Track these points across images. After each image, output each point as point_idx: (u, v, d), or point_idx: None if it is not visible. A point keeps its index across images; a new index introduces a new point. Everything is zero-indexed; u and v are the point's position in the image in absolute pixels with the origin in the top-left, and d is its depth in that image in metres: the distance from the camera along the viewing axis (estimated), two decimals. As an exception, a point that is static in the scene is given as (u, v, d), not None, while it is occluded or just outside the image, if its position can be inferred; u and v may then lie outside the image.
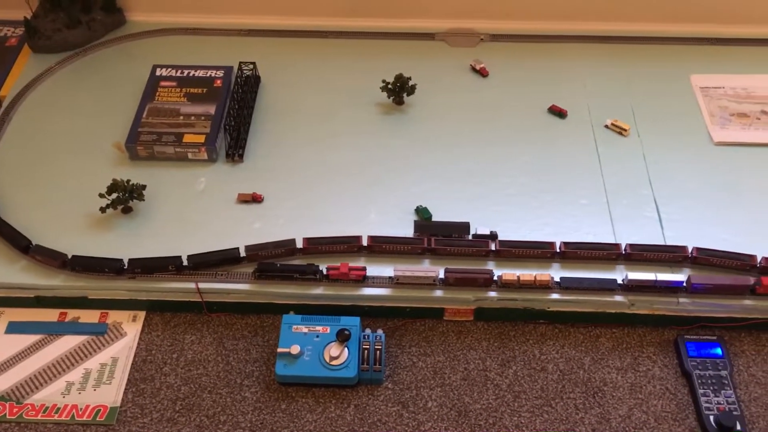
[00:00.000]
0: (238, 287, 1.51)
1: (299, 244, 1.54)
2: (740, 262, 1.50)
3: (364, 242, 1.55)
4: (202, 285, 1.51)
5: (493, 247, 1.54)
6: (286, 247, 1.53)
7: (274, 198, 1.67)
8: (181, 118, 1.78)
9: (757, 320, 1.48)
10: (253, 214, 1.64)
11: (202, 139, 1.73)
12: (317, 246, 1.54)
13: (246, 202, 1.66)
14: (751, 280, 1.46)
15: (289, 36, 2.07)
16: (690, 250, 1.52)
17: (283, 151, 1.77)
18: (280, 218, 1.62)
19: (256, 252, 1.53)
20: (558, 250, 1.53)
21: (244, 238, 1.55)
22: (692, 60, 2.00)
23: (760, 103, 1.86)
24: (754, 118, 1.83)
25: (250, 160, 1.75)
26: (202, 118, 1.78)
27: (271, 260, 1.53)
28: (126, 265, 1.51)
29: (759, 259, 1.50)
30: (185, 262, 1.52)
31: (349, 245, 1.54)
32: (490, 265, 1.53)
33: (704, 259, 1.51)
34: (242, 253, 1.53)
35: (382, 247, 1.54)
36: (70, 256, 1.52)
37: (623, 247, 1.53)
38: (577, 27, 2.08)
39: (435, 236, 1.57)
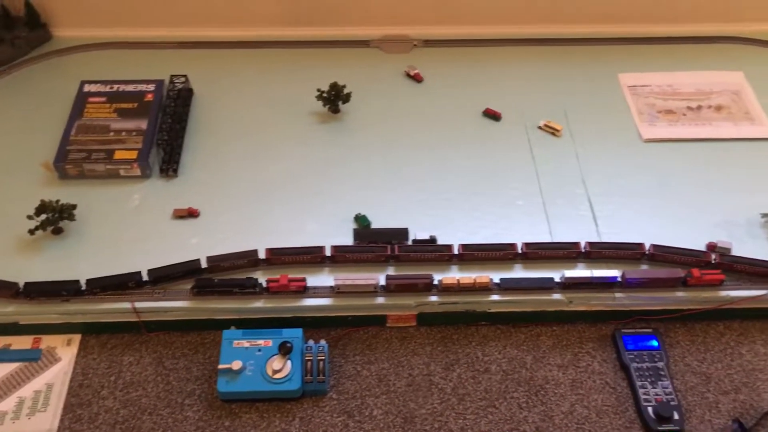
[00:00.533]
0: (176, 305, 1.49)
1: (261, 255, 1.53)
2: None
3: (328, 252, 1.54)
4: (139, 304, 1.47)
5: (455, 251, 1.55)
6: (249, 258, 1.52)
7: (211, 212, 1.64)
8: (112, 134, 1.74)
9: (690, 311, 1.52)
10: (190, 229, 1.61)
11: (134, 155, 1.69)
12: (280, 257, 1.52)
13: (182, 217, 1.63)
14: (683, 272, 1.51)
15: (221, 47, 2.05)
16: (583, 245, 1.55)
17: (219, 164, 1.75)
18: (218, 232, 1.60)
19: (218, 263, 1.51)
20: (520, 251, 1.55)
21: (182, 255, 1.52)
22: (620, 59, 2.05)
23: (685, 99, 1.92)
24: (681, 114, 1.89)
25: (185, 174, 1.73)
26: (134, 133, 1.74)
27: (222, 274, 1.51)
28: (84, 286, 1.47)
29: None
30: (145, 278, 1.49)
31: (312, 255, 1.53)
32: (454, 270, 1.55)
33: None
34: (204, 265, 1.51)
35: (345, 257, 1.54)
36: (22, 284, 1.47)
37: (583, 246, 1.56)
38: (509, 31, 2.11)
39: (374, 243, 1.57)
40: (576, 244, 1.55)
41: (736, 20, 2.13)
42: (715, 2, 2.10)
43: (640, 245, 1.55)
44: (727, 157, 1.78)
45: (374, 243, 1.57)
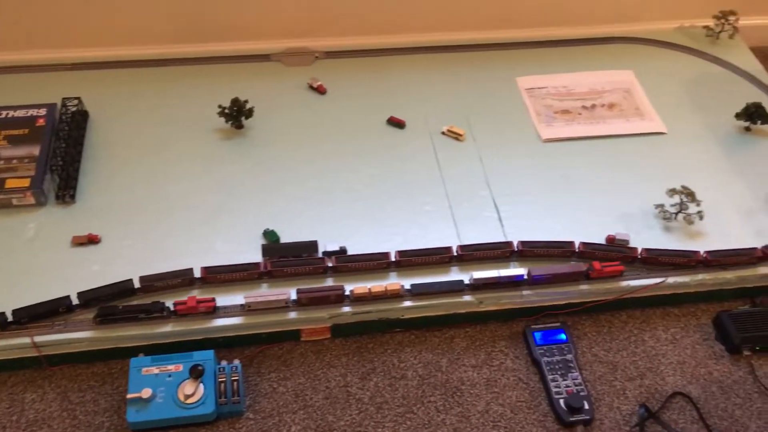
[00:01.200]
0: (79, 336, 1.43)
1: (197, 274, 1.51)
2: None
3: (264, 267, 1.53)
4: (38, 338, 1.41)
5: (393, 258, 1.56)
6: (184, 276, 1.49)
7: (112, 238, 1.59)
8: (2, 162, 1.66)
9: (594, 302, 1.57)
10: (91, 256, 1.56)
11: (26, 182, 1.63)
12: (216, 275, 1.50)
13: (82, 244, 1.57)
14: (585, 266, 1.56)
15: (116, 67, 1.99)
16: (516, 244, 1.59)
17: (119, 187, 1.70)
18: (121, 258, 1.55)
19: (151, 283, 1.47)
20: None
21: (84, 283, 1.47)
22: (517, 63, 2.11)
23: (579, 99, 2.00)
24: (576, 113, 1.96)
25: (84, 200, 1.67)
26: (26, 160, 1.67)
27: (156, 295, 1.48)
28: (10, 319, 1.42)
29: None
30: (75, 301, 1.45)
31: (249, 272, 1.51)
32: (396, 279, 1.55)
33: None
34: (137, 285, 1.48)
35: (284, 271, 1.53)
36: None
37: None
38: (409, 39, 2.14)
39: (284, 258, 1.55)
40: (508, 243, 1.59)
41: (625, 21, 2.23)
42: (605, 5, 2.19)
43: (508, 244, 1.59)
44: (621, 152, 1.86)
45: (284, 258, 1.55)
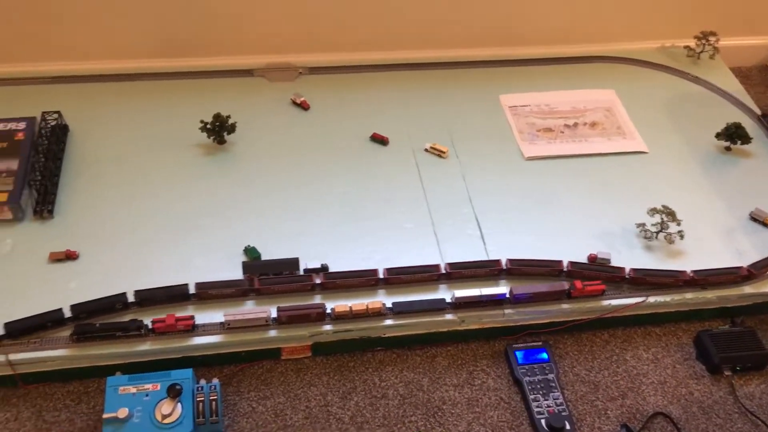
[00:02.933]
0: (55, 353, 1.41)
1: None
2: (551, 269, 1.59)
3: (250, 284, 1.52)
4: (13, 356, 1.38)
5: (381, 275, 1.55)
6: (237, 287, 1.50)
7: (90, 253, 1.57)
8: (-21, 176, 1.64)
9: (576, 321, 1.57)
10: (69, 272, 1.53)
11: (4, 197, 1.60)
12: (206, 291, 1.50)
13: (59, 260, 1.55)
14: (566, 284, 1.56)
15: (98, 81, 1.97)
16: (504, 262, 1.59)
17: (99, 203, 1.68)
18: (98, 274, 1.53)
19: (205, 290, 1.49)
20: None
21: (60, 300, 1.45)
22: (500, 81, 2.12)
23: (562, 117, 2.01)
24: (558, 131, 1.96)
25: (62, 215, 1.65)
26: (4, 174, 1.65)
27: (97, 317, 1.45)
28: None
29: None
30: (132, 299, 1.47)
31: (237, 288, 1.51)
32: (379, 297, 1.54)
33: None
34: (191, 290, 1.50)
35: (271, 288, 1.52)
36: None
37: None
38: (393, 56, 2.14)
39: (265, 275, 1.54)
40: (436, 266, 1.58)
41: (607, 40, 2.25)
42: (587, 24, 2.21)
43: (497, 262, 1.59)
44: (602, 170, 1.87)
45: (265, 275, 1.54)
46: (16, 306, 1.44)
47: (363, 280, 1.54)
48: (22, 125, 1.76)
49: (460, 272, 1.57)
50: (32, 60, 1.97)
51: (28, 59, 1.96)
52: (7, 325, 1.40)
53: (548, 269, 1.58)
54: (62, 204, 1.67)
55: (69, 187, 1.70)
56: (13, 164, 1.68)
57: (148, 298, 1.47)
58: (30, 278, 1.52)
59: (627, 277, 1.59)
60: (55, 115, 1.79)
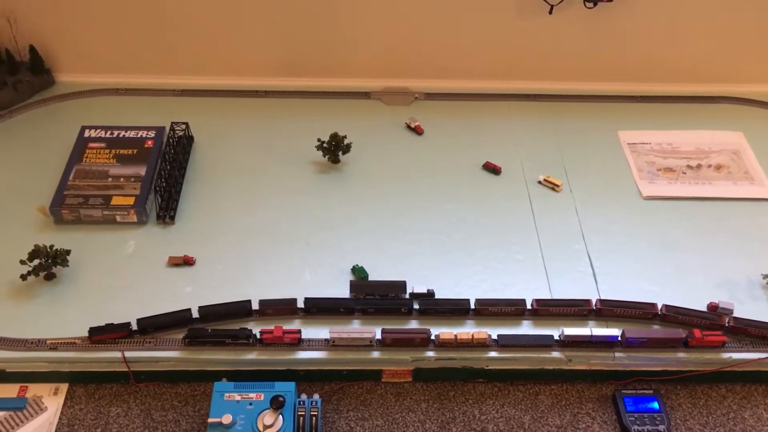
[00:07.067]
0: (167, 355, 1.46)
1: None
2: (643, 312, 1.52)
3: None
4: (129, 353, 1.44)
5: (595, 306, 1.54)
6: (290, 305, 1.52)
7: (206, 260, 1.62)
8: (110, 179, 1.73)
9: (692, 372, 1.49)
10: (185, 277, 1.59)
11: (131, 201, 1.68)
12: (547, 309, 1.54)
13: (177, 265, 1.61)
14: (684, 332, 1.48)
15: (223, 96, 2.06)
16: (659, 307, 1.53)
17: (216, 212, 1.74)
18: (213, 281, 1.58)
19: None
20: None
21: (175, 303, 1.50)
22: (619, 116, 2.06)
23: (685, 158, 1.93)
24: (680, 172, 1.89)
25: (182, 221, 1.71)
26: (132, 179, 1.74)
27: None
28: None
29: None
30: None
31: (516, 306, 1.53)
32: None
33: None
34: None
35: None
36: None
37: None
38: (510, 86, 2.13)
39: (371, 296, 1.55)
40: (587, 302, 1.53)
41: (735, 81, 2.15)
42: (714, 63, 2.12)
43: (653, 305, 1.53)
44: (726, 216, 1.77)
45: (371, 296, 1.54)
46: (133, 305, 1.50)
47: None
48: (152, 134, 1.85)
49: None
50: (165, 72, 2.08)
51: (161, 72, 2.07)
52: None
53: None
54: (183, 211, 1.74)
55: (190, 195, 1.77)
56: (141, 170, 1.76)
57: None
58: (149, 280, 1.58)
59: (726, 325, 1.50)
60: (183, 126, 1.88)
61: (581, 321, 1.54)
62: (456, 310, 1.53)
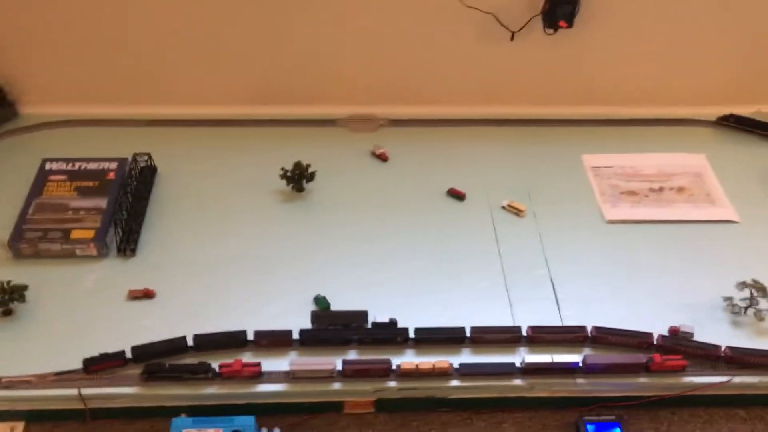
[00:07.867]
0: (125, 391, 1.43)
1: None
2: (638, 340, 1.52)
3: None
4: (86, 391, 1.42)
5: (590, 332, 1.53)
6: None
7: (167, 293, 1.61)
8: (70, 212, 1.72)
9: (654, 397, 1.49)
10: (144, 311, 1.58)
11: (91, 234, 1.67)
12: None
13: (137, 298, 1.60)
14: (644, 358, 1.48)
15: (187, 125, 2.06)
16: (589, 329, 1.53)
17: (179, 244, 1.73)
18: (174, 314, 1.57)
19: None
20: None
21: (133, 338, 1.48)
22: (584, 140, 2.07)
23: (647, 181, 1.94)
24: (643, 195, 1.90)
25: (144, 254, 1.70)
26: (93, 212, 1.73)
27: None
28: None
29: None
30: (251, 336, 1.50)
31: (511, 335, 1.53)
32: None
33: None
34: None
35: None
36: None
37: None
38: (474, 111, 2.14)
39: (333, 326, 1.54)
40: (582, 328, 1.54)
41: (698, 103, 2.17)
42: (677, 86, 2.15)
43: (582, 328, 1.53)
44: (689, 238, 1.79)
45: (333, 326, 1.54)
46: (88, 340, 1.48)
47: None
48: (113, 165, 1.84)
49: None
50: (131, 103, 2.07)
51: (127, 102, 2.07)
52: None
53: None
54: (145, 242, 1.72)
55: (154, 227, 1.76)
56: (102, 203, 1.75)
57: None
58: (108, 314, 1.56)
59: (723, 355, 1.49)
60: (146, 157, 1.87)
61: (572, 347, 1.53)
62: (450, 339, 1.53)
